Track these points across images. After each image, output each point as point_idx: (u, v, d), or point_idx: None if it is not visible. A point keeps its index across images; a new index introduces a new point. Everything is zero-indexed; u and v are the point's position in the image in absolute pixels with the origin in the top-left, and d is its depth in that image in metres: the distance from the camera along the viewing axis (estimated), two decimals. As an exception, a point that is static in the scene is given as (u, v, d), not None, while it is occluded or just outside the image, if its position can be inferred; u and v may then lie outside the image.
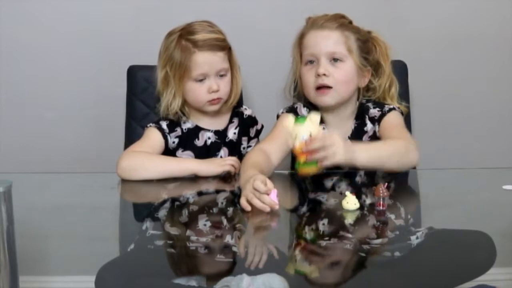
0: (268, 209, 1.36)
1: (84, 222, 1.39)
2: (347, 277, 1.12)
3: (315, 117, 1.46)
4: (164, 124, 1.79)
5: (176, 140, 1.80)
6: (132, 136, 1.96)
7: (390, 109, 1.78)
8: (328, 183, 1.64)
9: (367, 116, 1.79)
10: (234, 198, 1.51)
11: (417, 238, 1.25)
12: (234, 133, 1.85)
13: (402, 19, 2.20)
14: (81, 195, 1.59)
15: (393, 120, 1.77)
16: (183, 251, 1.19)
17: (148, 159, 1.69)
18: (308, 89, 1.77)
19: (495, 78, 2.27)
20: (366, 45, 1.77)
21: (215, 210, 1.46)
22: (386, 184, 1.43)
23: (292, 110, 1.82)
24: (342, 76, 1.73)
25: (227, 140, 1.84)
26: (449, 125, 2.30)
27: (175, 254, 1.19)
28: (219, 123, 1.85)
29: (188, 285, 1.01)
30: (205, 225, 1.32)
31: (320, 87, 1.74)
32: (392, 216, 1.38)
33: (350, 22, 1.78)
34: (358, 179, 1.66)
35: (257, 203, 1.37)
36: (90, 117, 2.21)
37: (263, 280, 0.97)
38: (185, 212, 1.44)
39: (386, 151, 1.60)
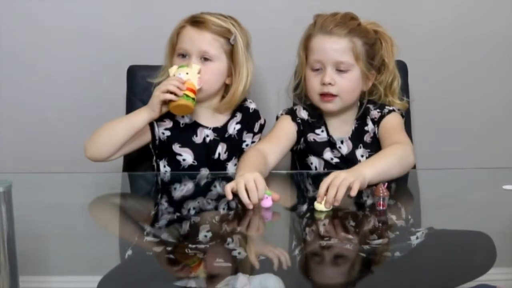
0: (251, 206, 1.37)
1: (84, 222, 1.38)
2: (347, 277, 1.12)
3: (196, 68, 1.67)
4: None
5: (167, 132, 1.76)
6: (132, 136, 1.95)
7: (390, 111, 1.78)
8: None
9: (368, 117, 1.79)
10: (236, 204, 1.47)
11: (417, 238, 1.25)
12: (235, 128, 1.81)
13: (402, 19, 2.19)
14: (81, 195, 1.59)
15: (391, 122, 1.77)
16: (182, 257, 1.16)
17: (105, 129, 1.70)
18: (312, 93, 1.76)
19: (495, 78, 2.27)
20: (373, 49, 1.76)
21: (215, 215, 1.43)
22: (386, 184, 1.43)
23: (292, 112, 1.82)
24: (347, 86, 1.73)
25: (226, 136, 1.80)
26: (449, 125, 2.30)
27: (174, 260, 1.17)
28: (218, 120, 1.82)
29: (188, 287, 1.00)
30: (205, 230, 1.30)
31: (324, 94, 1.74)
32: (392, 216, 1.38)
33: (359, 24, 1.76)
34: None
35: (243, 195, 1.38)
36: (90, 117, 2.20)
37: (260, 280, 0.97)
38: (184, 215, 1.42)
39: (389, 162, 1.57)
